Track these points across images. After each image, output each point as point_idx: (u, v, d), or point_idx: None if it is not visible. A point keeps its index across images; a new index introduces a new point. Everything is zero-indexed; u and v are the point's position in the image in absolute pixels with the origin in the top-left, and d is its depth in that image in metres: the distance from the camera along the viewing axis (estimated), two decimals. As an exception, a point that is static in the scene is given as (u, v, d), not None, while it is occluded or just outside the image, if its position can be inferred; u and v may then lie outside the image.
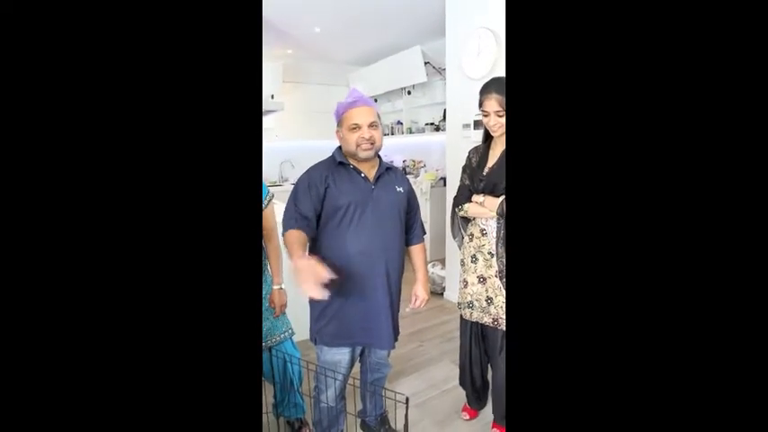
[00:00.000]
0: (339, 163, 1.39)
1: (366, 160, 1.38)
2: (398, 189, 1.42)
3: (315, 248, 1.39)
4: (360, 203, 1.34)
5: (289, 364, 1.68)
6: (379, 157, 1.44)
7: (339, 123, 1.41)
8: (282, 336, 1.66)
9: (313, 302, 1.38)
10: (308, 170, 1.42)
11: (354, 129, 1.35)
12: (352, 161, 1.39)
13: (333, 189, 1.35)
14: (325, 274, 1.06)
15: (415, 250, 1.51)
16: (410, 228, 1.49)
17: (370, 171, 1.40)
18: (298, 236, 1.31)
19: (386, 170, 1.43)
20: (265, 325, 1.62)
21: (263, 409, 1.74)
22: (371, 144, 1.35)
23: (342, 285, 1.31)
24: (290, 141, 4.74)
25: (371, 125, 1.35)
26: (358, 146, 1.34)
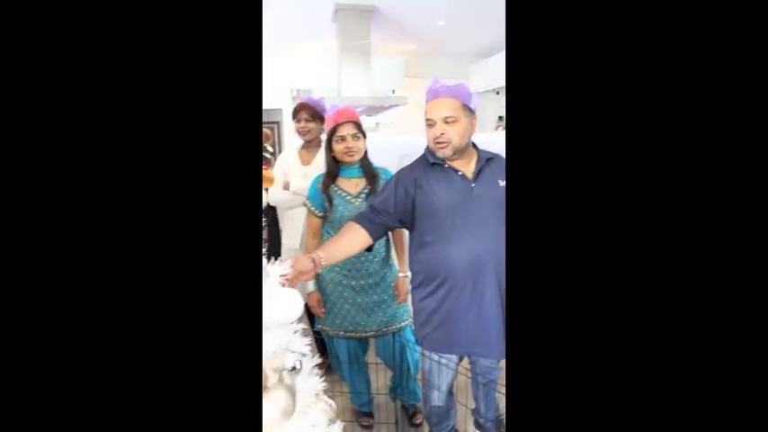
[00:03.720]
0: (432, 163, 1.29)
1: (457, 157, 1.28)
2: (501, 183, 1.26)
3: (417, 258, 1.34)
4: (459, 205, 1.24)
5: (408, 351, 1.72)
6: (476, 147, 1.34)
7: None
8: (404, 323, 1.71)
9: (419, 307, 1.36)
10: (397, 172, 1.37)
11: (430, 125, 1.26)
12: (448, 159, 1.28)
13: (426, 192, 1.27)
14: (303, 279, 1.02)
15: None
16: None
17: (467, 167, 1.29)
18: (346, 229, 1.27)
19: (486, 162, 1.29)
20: (389, 311, 1.68)
21: (376, 391, 1.81)
22: (444, 143, 1.24)
23: (448, 292, 1.28)
24: (411, 136, 4.80)
25: (447, 120, 1.23)
26: (434, 144, 1.25)
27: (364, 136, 1.63)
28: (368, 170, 1.64)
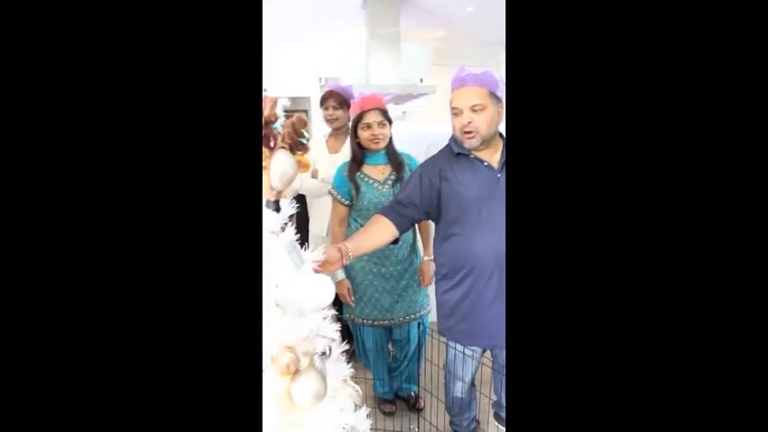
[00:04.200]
0: (457, 154, 1.27)
1: (483, 147, 1.24)
2: None
3: (442, 250, 1.33)
4: (485, 196, 1.21)
5: (424, 338, 1.74)
6: (502, 137, 1.30)
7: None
8: (425, 310, 1.72)
9: (443, 299, 1.35)
10: (421, 164, 1.35)
11: (456, 114, 1.23)
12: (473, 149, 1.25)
13: (452, 183, 1.25)
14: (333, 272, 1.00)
15: None
16: None
17: (492, 157, 1.26)
18: (372, 221, 1.26)
19: None
20: (415, 297, 1.70)
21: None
22: (472, 132, 1.20)
23: (472, 285, 1.27)
24: (438, 124, 4.75)
25: (475, 108, 1.19)
26: (461, 134, 1.22)
27: (390, 123, 1.62)
28: (393, 157, 1.64)
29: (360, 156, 1.63)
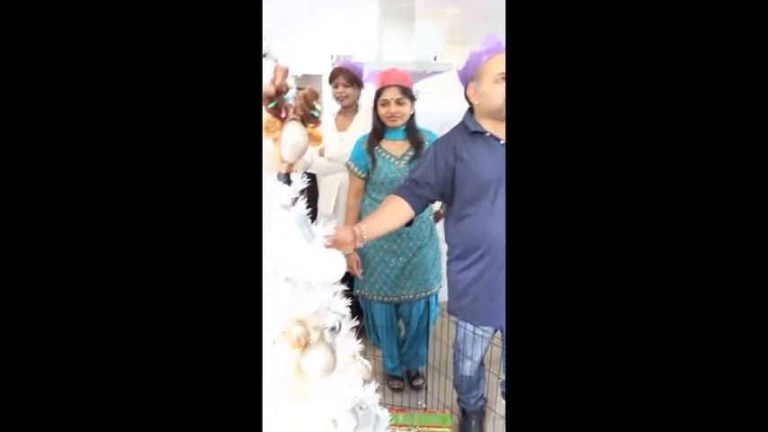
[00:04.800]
0: (473, 132, 1.23)
1: (499, 125, 1.20)
2: None
3: (455, 230, 1.31)
4: (501, 175, 1.17)
5: (432, 317, 1.75)
6: None
7: (474, 77, 1.22)
8: (435, 289, 1.74)
9: (456, 279, 1.34)
10: (434, 142, 1.32)
11: (500, 81, 1.16)
12: (488, 126, 1.22)
13: (468, 162, 1.22)
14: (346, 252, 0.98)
15: None
16: None
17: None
18: (387, 202, 1.24)
19: None
20: (427, 275, 1.70)
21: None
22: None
23: (487, 265, 1.26)
24: (452, 103, 4.69)
25: (501, 78, 1.15)
26: (501, 106, 1.15)
27: (412, 100, 1.59)
28: (413, 134, 1.62)
29: (380, 130, 1.61)
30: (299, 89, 0.75)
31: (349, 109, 1.98)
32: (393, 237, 1.63)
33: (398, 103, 1.55)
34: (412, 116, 1.62)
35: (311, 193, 2.31)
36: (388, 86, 1.54)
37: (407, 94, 1.57)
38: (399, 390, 1.83)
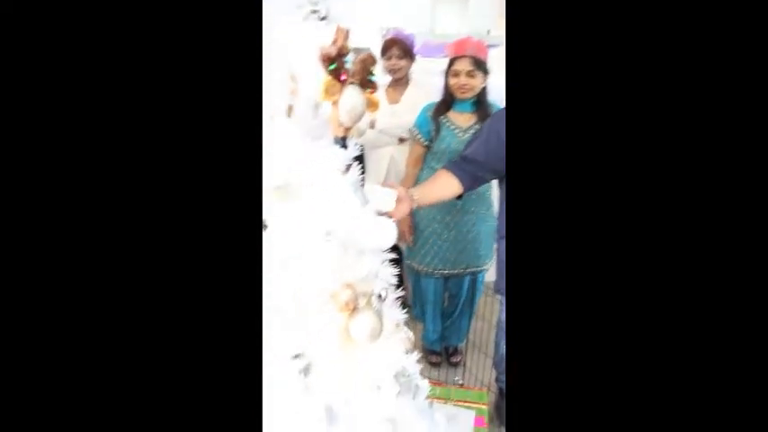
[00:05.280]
0: None
1: None
2: None
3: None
4: None
5: (477, 294, 1.74)
6: None
7: None
8: (486, 266, 1.71)
9: (504, 257, 1.32)
10: (491, 116, 1.29)
11: None
12: None
13: None
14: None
15: None
16: None
17: None
18: (438, 174, 1.22)
19: None
20: (478, 251, 1.68)
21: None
22: None
23: None
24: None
25: None
26: None
27: (485, 73, 1.54)
28: (482, 107, 1.57)
29: (449, 100, 1.58)
30: (356, 53, 0.74)
31: (400, 81, 1.94)
32: (448, 208, 1.60)
33: (469, 75, 1.50)
34: (484, 89, 1.56)
35: (361, 165, 2.31)
36: (461, 57, 1.49)
37: (480, 66, 1.51)
38: (437, 365, 1.85)
